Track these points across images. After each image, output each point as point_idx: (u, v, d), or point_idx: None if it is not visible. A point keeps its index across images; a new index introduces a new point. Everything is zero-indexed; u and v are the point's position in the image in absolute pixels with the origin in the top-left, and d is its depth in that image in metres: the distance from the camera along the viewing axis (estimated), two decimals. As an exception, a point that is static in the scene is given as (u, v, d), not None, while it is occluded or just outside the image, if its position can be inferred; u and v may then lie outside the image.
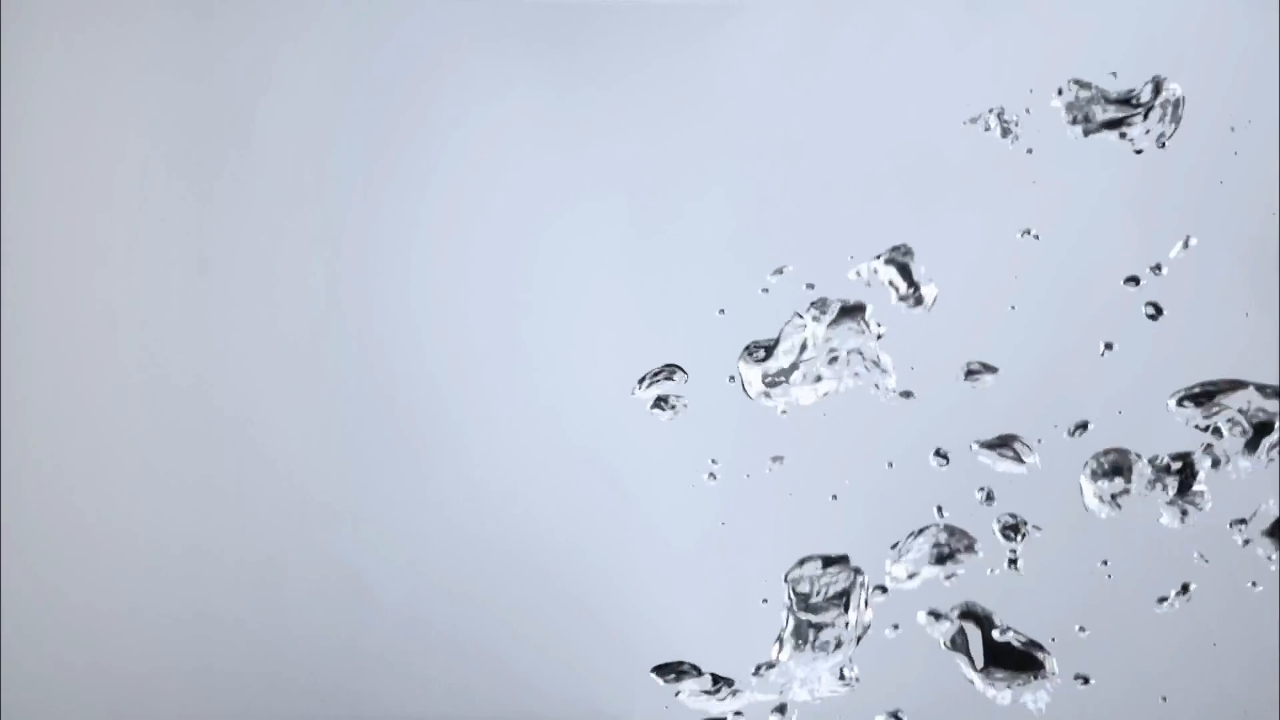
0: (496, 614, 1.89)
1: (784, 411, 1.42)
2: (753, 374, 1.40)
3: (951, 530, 1.39)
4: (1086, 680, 1.55)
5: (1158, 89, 1.38)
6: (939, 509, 1.42)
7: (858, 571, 1.37)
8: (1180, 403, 1.37)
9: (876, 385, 1.40)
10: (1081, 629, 1.56)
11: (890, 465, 1.59)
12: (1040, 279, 1.79)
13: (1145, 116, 1.40)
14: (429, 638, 1.89)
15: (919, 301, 1.41)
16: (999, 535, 1.43)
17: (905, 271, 1.41)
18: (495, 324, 1.91)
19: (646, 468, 1.88)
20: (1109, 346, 1.53)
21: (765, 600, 1.39)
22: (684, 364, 1.51)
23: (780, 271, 1.55)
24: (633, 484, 1.88)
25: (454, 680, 1.89)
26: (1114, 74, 1.40)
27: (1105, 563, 1.56)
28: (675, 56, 1.87)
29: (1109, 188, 1.78)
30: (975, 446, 1.42)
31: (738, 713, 1.45)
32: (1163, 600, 1.49)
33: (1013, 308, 1.74)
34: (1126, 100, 1.41)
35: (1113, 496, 1.38)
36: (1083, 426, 1.46)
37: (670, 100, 1.88)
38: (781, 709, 1.41)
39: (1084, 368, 1.75)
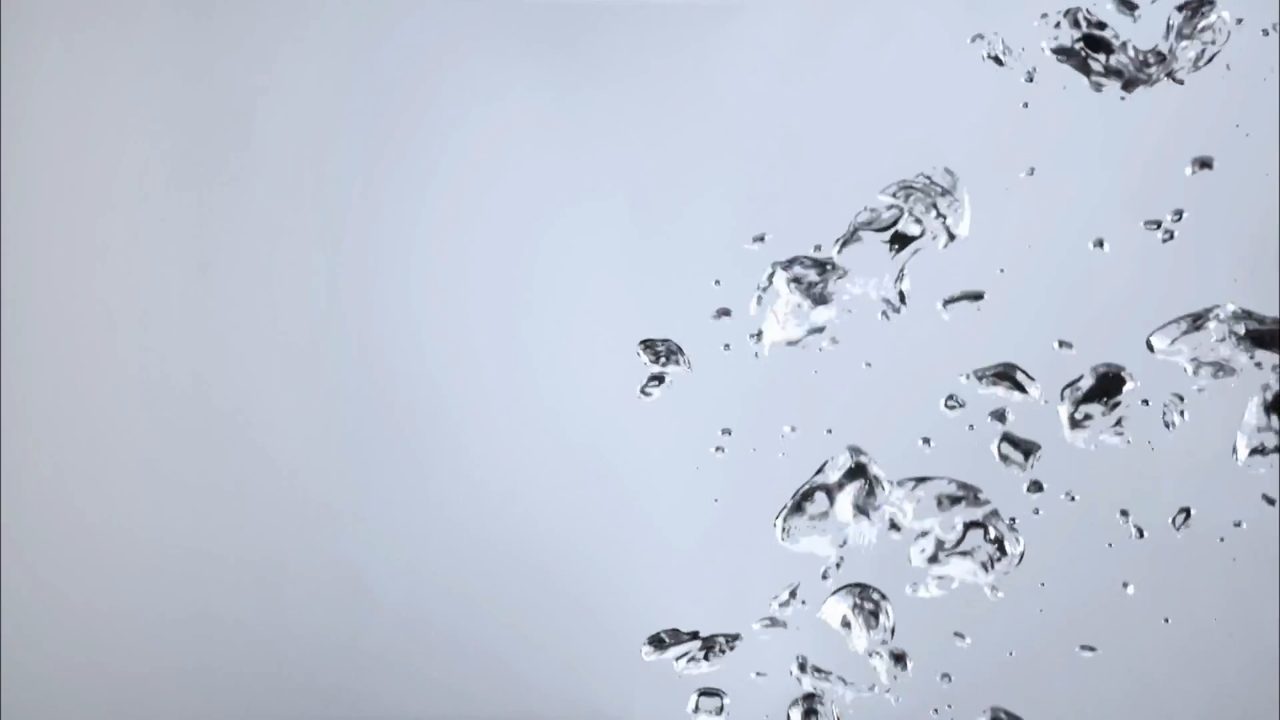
0: (496, 614, 1.89)
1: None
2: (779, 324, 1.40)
3: (959, 484, 1.38)
4: (1092, 649, 1.56)
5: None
6: (926, 440, 1.42)
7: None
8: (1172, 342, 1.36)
9: (894, 309, 1.39)
10: (1126, 583, 1.57)
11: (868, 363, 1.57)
12: (1041, 277, 1.79)
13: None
14: (429, 638, 1.89)
15: (951, 238, 1.40)
16: (999, 451, 1.41)
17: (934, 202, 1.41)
18: (495, 324, 1.91)
19: (647, 467, 1.88)
20: (1099, 246, 1.53)
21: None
22: (680, 363, 1.52)
23: (761, 239, 1.55)
24: (633, 483, 1.88)
25: (454, 680, 1.89)
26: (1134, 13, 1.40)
27: (1127, 516, 1.55)
28: (675, 56, 1.88)
29: (1110, 185, 1.79)
30: (968, 378, 1.41)
31: (760, 673, 1.45)
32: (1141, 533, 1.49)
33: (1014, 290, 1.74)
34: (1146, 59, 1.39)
35: (1081, 417, 1.37)
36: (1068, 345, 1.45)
37: (670, 100, 1.88)
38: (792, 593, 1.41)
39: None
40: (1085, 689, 1.74)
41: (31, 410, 1.87)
